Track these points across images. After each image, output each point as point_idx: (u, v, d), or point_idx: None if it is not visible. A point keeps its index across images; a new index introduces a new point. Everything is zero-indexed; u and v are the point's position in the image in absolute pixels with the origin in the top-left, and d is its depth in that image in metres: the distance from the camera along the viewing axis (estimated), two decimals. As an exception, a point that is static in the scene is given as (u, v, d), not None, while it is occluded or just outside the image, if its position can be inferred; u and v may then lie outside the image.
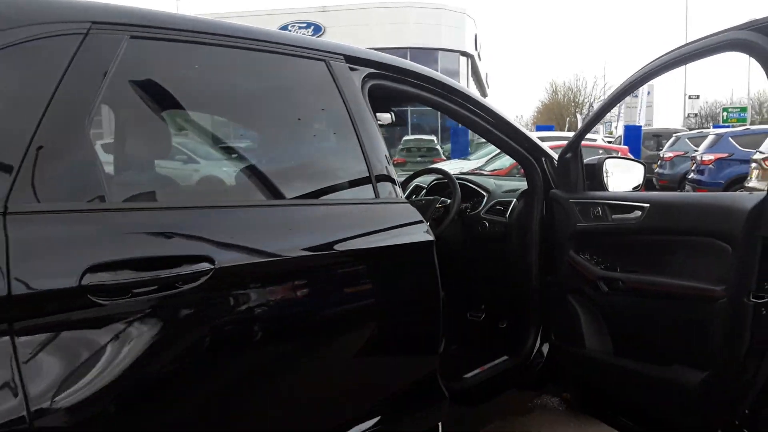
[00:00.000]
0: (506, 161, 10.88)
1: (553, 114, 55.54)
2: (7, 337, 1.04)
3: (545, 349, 2.59)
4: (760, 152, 9.08)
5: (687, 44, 2.01)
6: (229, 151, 1.67)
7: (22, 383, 1.03)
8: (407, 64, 2.19)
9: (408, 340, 1.85)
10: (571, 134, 16.73)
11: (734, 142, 11.37)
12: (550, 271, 2.55)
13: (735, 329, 1.78)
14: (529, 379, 2.58)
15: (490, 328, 3.03)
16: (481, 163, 11.25)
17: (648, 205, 2.11)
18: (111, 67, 1.32)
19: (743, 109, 30.09)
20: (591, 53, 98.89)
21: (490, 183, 3.06)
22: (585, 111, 51.92)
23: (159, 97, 1.51)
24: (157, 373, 1.20)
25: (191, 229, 1.34)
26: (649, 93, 42.09)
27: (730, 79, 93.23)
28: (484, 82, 48.39)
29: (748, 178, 9.46)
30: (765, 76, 1.69)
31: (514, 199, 2.75)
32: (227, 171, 1.63)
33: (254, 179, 1.67)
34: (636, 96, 43.65)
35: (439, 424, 2.01)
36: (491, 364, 2.51)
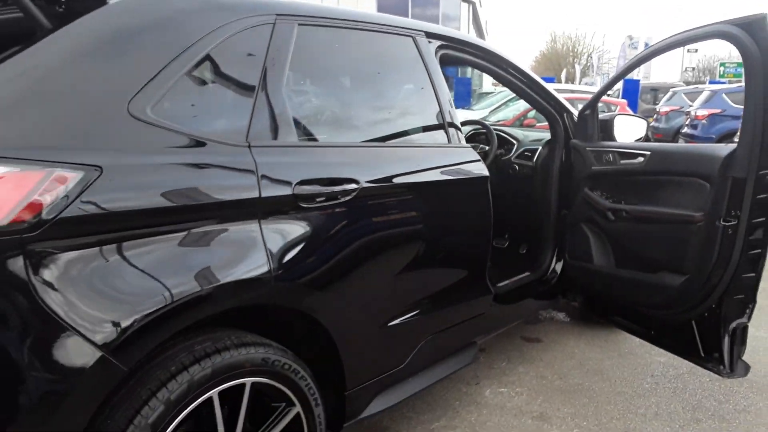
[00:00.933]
0: (509, 113, 11.41)
1: (551, 64, 55.29)
2: (257, 223, 1.67)
3: (558, 267, 3.26)
4: (750, 109, 9.64)
5: (687, 30, 2.61)
6: (358, 103, 2.27)
7: (266, 250, 1.67)
8: (467, 37, 2.78)
9: (473, 241, 2.52)
10: (569, 86, 17.05)
11: (728, 99, 11.92)
12: (565, 206, 3.20)
13: (708, 245, 2.44)
14: (545, 291, 3.26)
15: (511, 254, 3.71)
16: (485, 113, 11.73)
17: (649, 152, 2.75)
18: (291, 44, 1.92)
19: (740, 64, 30.32)
20: (590, 3, 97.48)
21: (519, 133, 3.69)
22: (583, 61, 51.80)
23: (318, 66, 2.10)
24: (329, 245, 1.85)
25: (343, 160, 1.98)
26: (647, 45, 41.96)
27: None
28: (484, 29, 47.97)
29: (738, 134, 10.07)
30: (741, 60, 2.30)
31: (540, 147, 3.37)
32: (362, 120, 2.24)
33: (379, 126, 2.29)
34: (635, 48, 43.54)
35: (483, 313, 2.70)
36: (517, 277, 3.18)
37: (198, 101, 1.68)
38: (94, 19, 1.54)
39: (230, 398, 1.65)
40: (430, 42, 2.49)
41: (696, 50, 39.34)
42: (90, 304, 1.34)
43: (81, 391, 1.33)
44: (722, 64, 32.00)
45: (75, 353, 1.32)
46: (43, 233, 1.29)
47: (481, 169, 2.50)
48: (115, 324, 1.37)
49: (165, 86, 1.58)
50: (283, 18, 1.92)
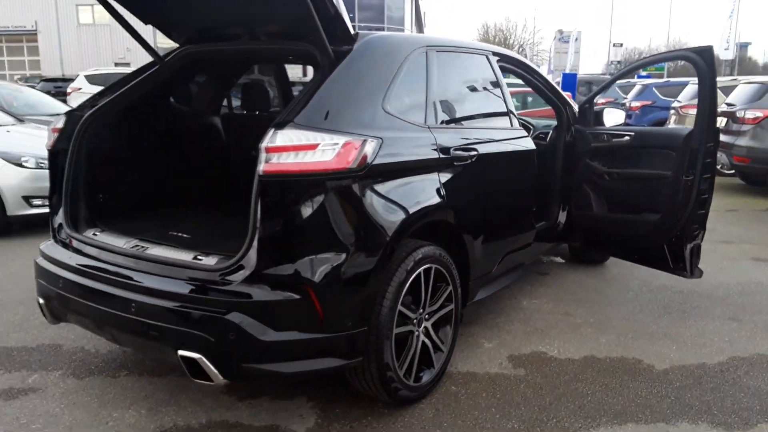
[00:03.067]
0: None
1: (484, 55, 57.47)
2: (436, 173, 2.83)
3: (563, 218, 4.53)
4: (678, 101, 11.39)
5: (661, 53, 3.93)
6: (468, 99, 3.45)
7: (441, 189, 2.83)
8: (511, 53, 4.00)
9: (528, 191, 3.77)
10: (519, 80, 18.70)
11: (657, 92, 13.73)
12: (568, 173, 4.46)
13: (674, 192, 3.74)
14: (555, 235, 4.52)
15: None
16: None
17: (633, 133, 4.05)
18: (435, 63, 3.07)
19: (661, 59, 33.07)
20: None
21: (533, 121, 4.96)
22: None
23: (447, 76, 3.25)
24: (465, 187, 3.02)
25: (472, 137, 3.16)
26: (577, 40, 44.40)
27: (649, 28, 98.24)
28: (423, 20, 49.38)
29: (667, 122, 11.81)
30: (696, 78, 3.61)
31: (550, 131, 4.64)
32: (471, 109, 3.44)
33: (479, 114, 3.48)
34: (566, 42, 45.72)
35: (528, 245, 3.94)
36: (538, 225, 4.44)
37: (403, 101, 2.82)
38: (356, 57, 2.67)
39: (418, 280, 2.81)
40: (494, 58, 3.70)
41: (621, 44, 42.17)
42: (382, 211, 2.49)
43: (381, 249, 2.48)
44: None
45: (378, 235, 2.47)
46: (364, 172, 2.42)
47: (530, 144, 3.74)
48: (392, 222, 2.52)
49: (391, 93, 2.72)
50: (429, 47, 3.08)
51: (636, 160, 4.01)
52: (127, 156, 3.31)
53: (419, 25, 45.70)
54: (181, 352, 2.34)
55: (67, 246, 2.93)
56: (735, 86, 9.31)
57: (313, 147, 2.32)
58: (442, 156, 2.88)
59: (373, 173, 2.47)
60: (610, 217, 4.18)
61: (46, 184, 6.10)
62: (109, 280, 2.60)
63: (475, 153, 3.11)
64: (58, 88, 19.34)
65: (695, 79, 13.17)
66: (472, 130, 3.28)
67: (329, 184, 2.36)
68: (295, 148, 2.30)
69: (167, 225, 3.06)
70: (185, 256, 2.57)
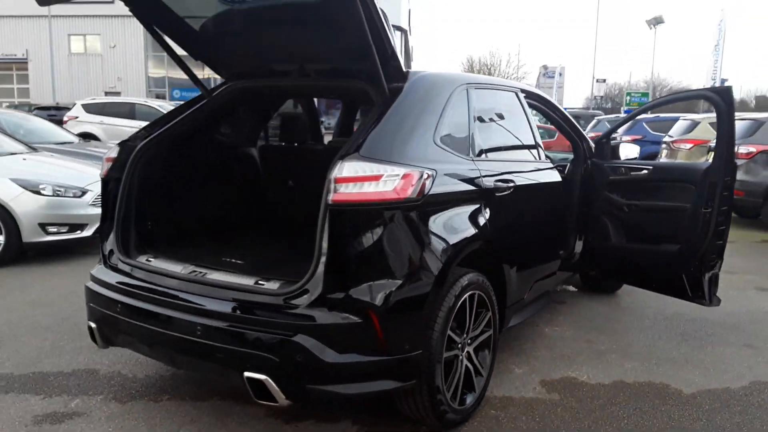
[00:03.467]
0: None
1: (470, 89, 58.45)
2: (480, 202, 2.96)
3: (578, 248, 4.68)
4: (669, 136, 11.74)
5: (683, 91, 4.15)
6: (502, 133, 3.62)
7: (485, 218, 2.96)
8: (535, 89, 4.19)
9: (555, 221, 3.91)
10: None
11: (647, 127, 14.12)
12: (584, 205, 4.62)
13: (694, 224, 3.91)
14: (571, 263, 4.66)
15: None
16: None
17: (651, 167, 4.23)
18: (474, 100, 3.23)
19: (644, 94, 33.99)
20: (506, 32, 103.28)
21: (551, 154, 5.14)
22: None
23: (484, 112, 3.40)
24: (503, 216, 3.15)
25: (509, 169, 3.30)
26: (561, 75, 45.45)
27: (629, 63, 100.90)
28: (411, 54, 50.25)
29: (659, 156, 12.15)
30: (715, 118, 3.82)
31: (568, 164, 4.81)
32: (505, 143, 3.60)
33: (511, 147, 3.65)
34: (551, 77, 46.68)
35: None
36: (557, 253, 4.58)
37: (450, 134, 2.96)
38: (409, 94, 2.81)
39: (464, 306, 2.91)
40: (522, 94, 3.87)
41: (605, 80, 43.21)
42: (435, 239, 2.61)
43: (435, 275, 2.60)
44: (628, 94, 35.53)
45: (432, 261, 2.58)
46: (421, 202, 2.54)
47: (557, 176, 3.89)
48: (444, 249, 2.64)
49: (441, 126, 2.86)
50: (469, 85, 3.24)
51: (655, 192, 4.18)
52: (175, 185, 3.40)
53: (407, 60, 46.49)
54: (247, 374, 2.42)
55: (119, 271, 3.00)
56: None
57: (377, 178, 2.44)
58: (485, 187, 3.01)
59: (428, 203, 2.60)
60: (628, 247, 4.33)
61: (62, 211, 6.13)
62: (170, 304, 2.68)
63: (512, 184, 3.25)
64: (52, 116, 19.32)
65: (686, 115, 13.59)
66: (508, 163, 3.43)
67: (390, 213, 2.48)
68: (360, 179, 2.42)
69: (218, 252, 3.15)
70: (246, 281, 2.66)
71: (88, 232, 6.07)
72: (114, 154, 3.18)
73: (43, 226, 5.89)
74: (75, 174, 6.42)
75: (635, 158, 4.73)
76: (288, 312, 2.45)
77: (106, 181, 3.20)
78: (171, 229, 3.37)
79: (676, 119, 12.62)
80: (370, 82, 2.84)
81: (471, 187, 2.92)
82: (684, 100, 4.18)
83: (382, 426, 2.97)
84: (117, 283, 2.92)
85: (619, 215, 4.37)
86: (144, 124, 4.62)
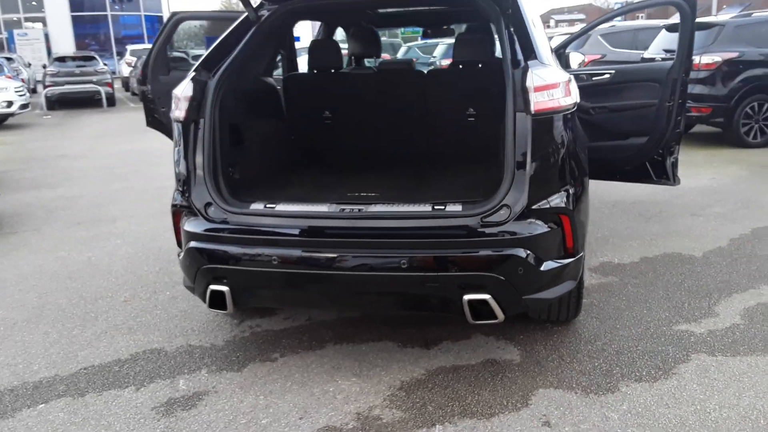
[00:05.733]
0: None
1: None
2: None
3: None
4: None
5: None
6: None
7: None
8: None
9: None
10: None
11: (604, 42, 10.72)
12: None
13: (660, 117, 4.52)
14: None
15: None
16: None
17: (614, 71, 4.74)
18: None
19: None
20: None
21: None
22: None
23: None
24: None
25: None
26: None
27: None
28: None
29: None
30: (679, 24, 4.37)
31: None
32: None
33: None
34: None
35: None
36: None
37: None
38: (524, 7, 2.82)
39: None
40: None
41: None
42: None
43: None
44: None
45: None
46: (576, 107, 2.63)
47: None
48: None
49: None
50: None
51: (620, 93, 4.71)
52: (244, 125, 3.01)
53: None
54: (467, 297, 2.38)
55: (238, 224, 2.61)
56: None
57: (557, 85, 2.49)
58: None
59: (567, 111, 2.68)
60: (595, 145, 4.85)
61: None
62: (347, 244, 2.46)
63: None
64: None
65: (655, 22, 13.30)
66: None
67: (568, 118, 2.55)
68: (549, 87, 2.45)
69: (330, 187, 2.92)
70: (418, 208, 2.54)
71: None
72: (190, 92, 2.71)
73: None
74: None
75: (580, 63, 5.23)
76: (494, 230, 2.42)
77: (186, 124, 2.72)
78: (251, 173, 3.01)
79: (643, 29, 10.45)
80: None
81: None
82: (647, 7, 4.69)
83: (535, 334, 3.10)
84: (252, 234, 2.57)
85: (586, 118, 4.84)
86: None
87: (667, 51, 7.77)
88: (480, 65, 3.66)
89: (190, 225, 2.69)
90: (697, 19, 5.80)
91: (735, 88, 7.55)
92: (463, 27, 5.25)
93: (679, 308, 3.29)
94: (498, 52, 3.43)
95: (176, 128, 2.76)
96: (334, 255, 2.45)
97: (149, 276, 4.10)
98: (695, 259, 3.99)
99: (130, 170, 7.92)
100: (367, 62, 5.09)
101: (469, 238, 2.42)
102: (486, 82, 3.49)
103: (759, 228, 4.57)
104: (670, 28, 8.47)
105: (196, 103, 2.70)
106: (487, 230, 2.43)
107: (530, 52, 2.55)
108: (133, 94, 19.90)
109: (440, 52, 15.84)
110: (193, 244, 2.64)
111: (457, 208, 2.51)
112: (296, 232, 2.53)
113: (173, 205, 2.80)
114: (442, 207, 2.52)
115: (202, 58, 2.92)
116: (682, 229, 4.63)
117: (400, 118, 3.69)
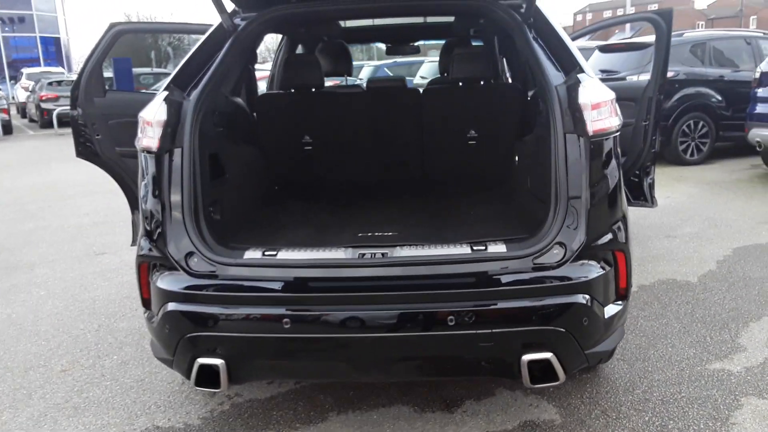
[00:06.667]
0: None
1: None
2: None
3: None
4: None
5: (625, 15, 4.45)
6: None
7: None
8: None
9: None
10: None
11: None
12: None
13: (637, 136, 4.36)
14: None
15: None
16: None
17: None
18: None
19: None
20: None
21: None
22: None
23: None
24: None
25: None
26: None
27: None
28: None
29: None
30: (654, 38, 4.22)
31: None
32: None
33: None
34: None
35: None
36: None
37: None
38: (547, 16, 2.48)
39: None
40: None
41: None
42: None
43: None
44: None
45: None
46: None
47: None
48: None
49: None
50: None
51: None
52: (223, 155, 2.50)
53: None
54: (527, 357, 1.98)
55: (228, 277, 2.08)
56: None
57: (608, 102, 2.17)
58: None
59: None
60: None
61: None
62: (379, 299, 2.00)
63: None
64: None
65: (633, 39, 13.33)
66: None
67: (617, 141, 2.23)
68: (602, 104, 2.13)
69: (332, 226, 2.44)
70: (455, 250, 2.12)
71: None
72: (164, 115, 2.17)
73: None
74: None
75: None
76: (548, 273, 2.04)
77: (159, 155, 2.17)
78: (234, 212, 2.49)
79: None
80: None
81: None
82: (625, 23, 4.54)
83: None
84: (251, 292, 2.05)
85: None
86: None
87: (603, 71, 7.77)
88: (482, 82, 3.32)
89: (166, 281, 2.13)
90: (634, 39, 5.69)
91: (672, 107, 7.69)
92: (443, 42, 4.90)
93: (702, 343, 3.04)
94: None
95: (144, 160, 2.20)
96: (363, 313, 1.98)
97: (87, 336, 3.42)
98: (693, 285, 3.80)
99: (41, 206, 7.01)
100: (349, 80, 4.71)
101: (522, 286, 2.02)
102: (489, 102, 3.15)
103: (739, 248, 4.48)
104: (604, 49, 8.63)
105: (171, 129, 2.17)
106: (541, 274, 2.04)
107: (573, 65, 2.22)
108: (31, 120, 18.39)
109: (428, 71, 12.82)
110: (172, 306, 2.09)
111: (500, 248, 2.11)
112: (312, 285, 2.04)
113: (140, 256, 2.24)
114: (483, 248, 2.12)
115: (173, 73, 2.39)
116: (663, 252, 4.46)
117: (393, 142, 3.28)
